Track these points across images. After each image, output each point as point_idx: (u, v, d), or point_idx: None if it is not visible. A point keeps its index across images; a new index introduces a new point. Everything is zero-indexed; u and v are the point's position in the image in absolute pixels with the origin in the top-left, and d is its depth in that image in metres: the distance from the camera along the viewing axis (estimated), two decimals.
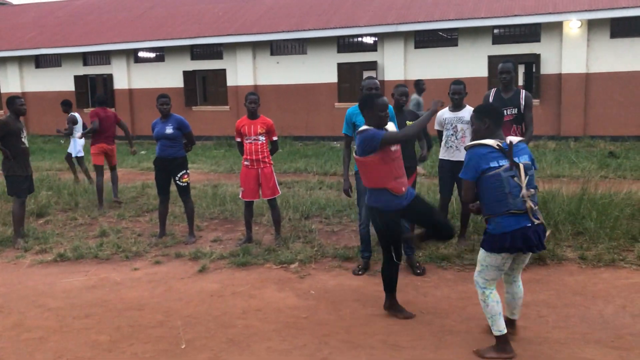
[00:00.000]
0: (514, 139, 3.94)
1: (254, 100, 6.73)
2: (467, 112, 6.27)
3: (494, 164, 3.80)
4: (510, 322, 4.14)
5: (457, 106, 6.37)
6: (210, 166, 13.63)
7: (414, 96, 11.78)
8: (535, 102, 15.81)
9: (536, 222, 3.79)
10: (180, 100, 20.19)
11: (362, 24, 18.00)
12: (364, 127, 4.49)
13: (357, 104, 5.66)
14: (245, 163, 6.82)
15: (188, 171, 7.23)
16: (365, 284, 5.51)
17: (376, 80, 5.84)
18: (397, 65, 18.05)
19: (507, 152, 3.81)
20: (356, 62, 18.74)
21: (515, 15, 16.23)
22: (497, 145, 3.84)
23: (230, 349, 4.19)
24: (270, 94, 19.37)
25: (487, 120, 3.95)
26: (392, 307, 4.74)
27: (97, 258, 6.48)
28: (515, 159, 3.82)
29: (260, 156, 6.75)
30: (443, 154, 6.45)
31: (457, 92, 6.31)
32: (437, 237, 4.68)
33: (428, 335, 4.34)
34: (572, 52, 16.20)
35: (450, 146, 6.34)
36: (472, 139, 4.07)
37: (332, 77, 18.94)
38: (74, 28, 23.46)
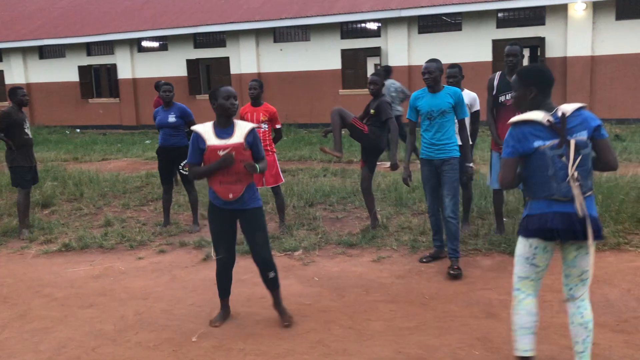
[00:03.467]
0: (569, 108, 3.11)
1: (253, 86, 6.72)
2: (466, 95, 6.24)
3: (538, 143, 3.06)
4: None
5: None
6: None
7: (391, 82, 11.25)
8: None
9: (584, 214, 3.00)
10: (184, 89, 20.17)
11: (365, 9, 17.86)
12: (197, 127, 4.20)
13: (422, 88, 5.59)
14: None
15: None
16: (368, 270, 5.51)
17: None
18: (401, 51, 17.93)
19: (559, 127, 3.05)
20: (360, 49, 18.63)
21: None
22: (547, 120, 3.07)
23: (235, 337, 4.20)
24: (274, 81, 19.31)
25: (533, 88, 3.16)
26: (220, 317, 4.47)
27: (101, 247, 6.51)
28: (568, 137, 3.05)
29: (263, 144, 6.73)
30: None
31: (451, 75, 6.33)
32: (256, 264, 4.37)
33: (431, 320, 4.34)
34: (577, 35, 16.03)
35: None
36: (514, 107, 3.37)
37: (336, 63, 18.85)
38: (77, 18, 23.41)
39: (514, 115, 5.78)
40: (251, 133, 4.19)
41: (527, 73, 3.22)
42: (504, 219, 6.39)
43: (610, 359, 3.67)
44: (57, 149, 15.59)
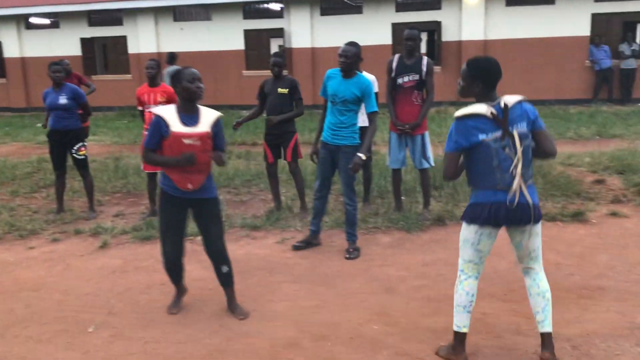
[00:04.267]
0: (511, 100, 3.23)
1: (151, 66, 6.55)
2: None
3: (482, 136, 3.18)
4: (542, 337, 3.38)
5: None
6: (112, 138, 13.10)
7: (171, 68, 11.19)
8: (437, 68, 16.22)
9: (527, 201, 3.21)
10: (79, 69, 19.10)
11: None
12: (159, 110, 3.96)
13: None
14: (146, 133, 6.59)
15: (85, 143, 6.90)
16: (273, 252, 5.53)
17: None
18: (303, 33, 17.93)
19: (501, 119, 3.17)
20: (263, 29, 18.43)
21: None
22: (491, 113, 3.17)
23: (134, 325, 4.09)
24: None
25: (479, 83, 3.23)
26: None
27: None
28: (510, 128, 3.18)
29: None
30: None
31: None
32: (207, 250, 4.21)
33: (333, 298, 4.43)
34: (470, 20, 16.71)
35: None
36: (459, 95, 3.41)
37: (239, 44, 18.56)
38: None
39: (412, 97, 6.06)
40: (218, 122, 4.00)
41: (476, 66, 3.26)
42: (402, 198, 6.60)
43: (498, 326, 3.91)
44: None
